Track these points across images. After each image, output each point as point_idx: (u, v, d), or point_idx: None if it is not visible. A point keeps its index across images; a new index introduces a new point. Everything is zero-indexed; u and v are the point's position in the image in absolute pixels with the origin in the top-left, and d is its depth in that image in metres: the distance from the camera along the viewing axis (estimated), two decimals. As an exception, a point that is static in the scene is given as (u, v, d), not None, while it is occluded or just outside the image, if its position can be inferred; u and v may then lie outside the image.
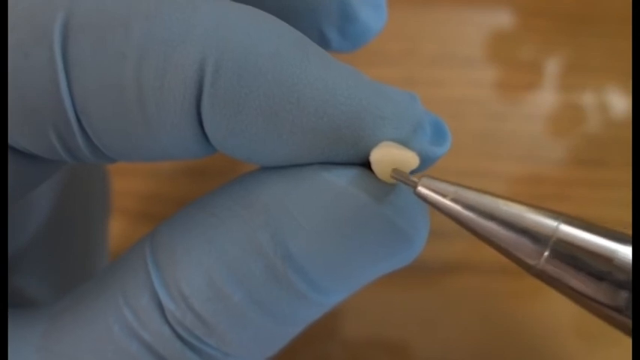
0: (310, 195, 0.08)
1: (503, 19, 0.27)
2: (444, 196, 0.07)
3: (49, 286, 0.11)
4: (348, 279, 0.08)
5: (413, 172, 0.08)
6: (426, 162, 0.08)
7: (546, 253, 0.07)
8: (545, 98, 0.25)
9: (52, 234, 0.12)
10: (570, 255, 0.07)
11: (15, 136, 0.08)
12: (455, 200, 0.07)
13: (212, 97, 0.07)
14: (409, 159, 0.07)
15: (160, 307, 0.08)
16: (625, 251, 0.07)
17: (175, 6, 0.07)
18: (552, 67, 0.26)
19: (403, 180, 0.07)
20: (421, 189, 0.07)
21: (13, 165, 0.08)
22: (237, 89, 0.07)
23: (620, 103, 0.25)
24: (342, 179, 0.08)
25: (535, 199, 0.23)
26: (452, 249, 0.22)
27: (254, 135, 0.07)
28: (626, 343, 0.20)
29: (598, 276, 0.07)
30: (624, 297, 0.07)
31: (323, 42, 0.10)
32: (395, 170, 0.07)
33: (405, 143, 0.08)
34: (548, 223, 0.07)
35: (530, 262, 0.07)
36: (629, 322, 0.07)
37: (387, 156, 0.07)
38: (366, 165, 0.08)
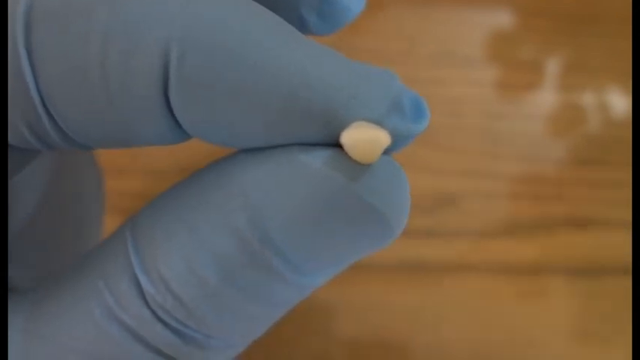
0: (286, 177, 0.08)
1: (503, 18, 0.27)
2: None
3: (35, 276, 0.11)
4: (328, 260, 0.08)
5: (388, 151, 0.08)
6: (403, 140, 0.08)
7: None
8: (546, 98, 0.25)
9: (39, 223, 0.12)
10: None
11: None
12: None
13: (179, 82, 0.07)
14: (380, 138, 0.07)
15: (141, 290, 0.08)
16: None
17: None
18: (552, 66, 0.26)
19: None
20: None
21: None
22: (205, 73, 0.07)
23: (620, 103, 0.25)
24: (317, 160, 0.08)
25: (535, 199, 0.23)
26: (452, 249, 0.22)
27: (224, 119, 0.07)
28: (626, 343, 0.20)
29: None
30: None
31: (301, 25, 0.10)
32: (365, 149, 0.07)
33: (378, 122, 0.08)
34: None
35: None
36: None
37: (357, 136, 0.07)
38: (341, 145, 0.08)
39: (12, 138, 0.08)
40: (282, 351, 0.20)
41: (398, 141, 0.08)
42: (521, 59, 0.26)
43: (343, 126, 0.08)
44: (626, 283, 0.21)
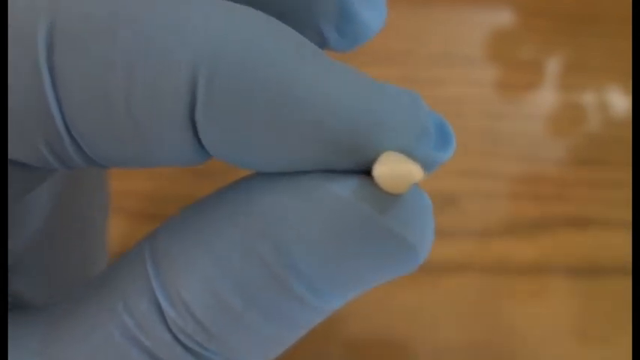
0: (312, 205, 0.07)
1: (503, 18, 0.27)
2: None
3: (46, 288, 0.11)
4: (352, 286, 0.08)
5: None
6: (430, 167, 0.08)
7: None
8: (546, 98, 0.25)
9: (49, 236, 0.12)
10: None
11: None
12: None
13: (206, 106, 0.07)
14: (413, 173, 0.07)
15: (161, 313, 0.08)
16: None
17: (165, 7, 0.07)
18: (553, 66, 0.26)
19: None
20: None
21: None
22: (233, 98, 0.07)
23: (620, 102, 0.25)
24: (345, 190, 0.07)
25: (535, 199, 0.23)
26: (452, 249, 0.22)
27: (251, 144, 0.07)
28: (626, 343, 0.20)
29: None
30: None
31: (320, 41, 0.10)
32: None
33: (408, 151, 0.08)
34: None
35: None
36: None
37: (390, 171, 0.07)
38: (369, 172, 0.08)
39: (32, 160, 0.08)
40: (283, 351, 0.20)
41: (427, 168, 0.08)
42: (522, 59, 0.26)
43: (372, 155, 0.07)
44: (626, 283, 0.21)
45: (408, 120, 0.08)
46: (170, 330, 0.08)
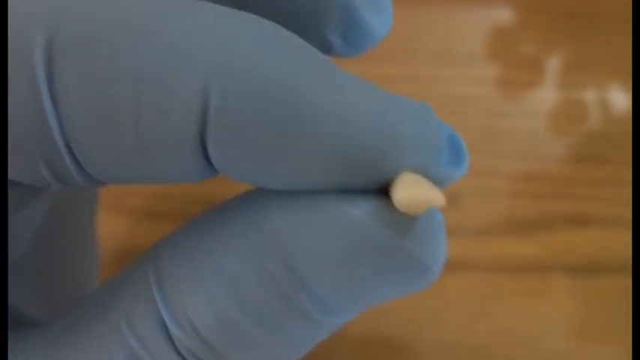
0: (327, 225, 0.07)
1: (503, 16, 0.27)
2: None
3: (41, 295, 0.11)
4: (363, 305, 0.08)
5: None
6: (444, 183, 0.08)
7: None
8: (546, 96, 0.25)
9: (40, 243, 0.12)
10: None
11: None
12: None
13: (218, 128, 0.07)
14: (433, 200, 0.07)
15: (167, 334, 0.08)
16: None
17: (174, 20, 0.07)
18: (553, 64, 0.26)
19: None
20: None
21: None
22: (246, 118, 0.07)
23: (621, 100, 0.25)
24: (361, 210, 0.07)
25: (535, 197, 0.23)
26: (453, 247, 0.22)
27: (264, 165, 0.07)
28: (626, 341, 0.20)
29: None
30: None
31: (325, 47, 0.09)
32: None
33: (425, 170, 0.07)
34: None
35: None
36: None
37: (411, 197, 0.07)
38: (384, 190, 0.08)
39: (30, 179, 0.07)
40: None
41: (441, 184, 0.08)
42: (522, 57, 0.26)
43: (388, 174, 0.07)
44: (626, 281, 0.21)
45: (425, 138, 0.07)
46: (177, 350, 0.08)
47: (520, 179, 0.23)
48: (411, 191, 0.07)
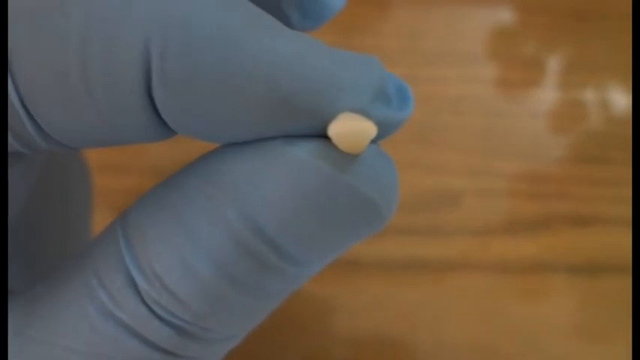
0: (274, 169, 0.08)
1: (503, 16, 0.27)
2: None
3: (27, 276, 0.11)
4: (322, 249, 0.08)
5: (376, 139, 0.08)
6: (389, 128, 0.08)
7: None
8: (547, 95, 0.25)
9: (27, 225, 0.12)
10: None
11: None
12: None
13: (161, 78, 0.07)
14: (366, 129, 0.07)
15: (135, 287, 0.08)
16: None
17: None
18: (553, 64, 0.26)
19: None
20: None
21: None
22: (186, 68, 0.07)
23: (621, 100, 0.25)
24: (304, 152, 0.08)
25: (536, 197, 0.23)
26: (453, 247, 0.22)
27: (208, 114, 0.07)
28: (626, 340, 0.20)
29: None
30: None
31: (282, 20, 0.10)
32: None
33: (364, 112, 0.08)
34: None
35: None
36: None
37: (344, 129, 0.07)
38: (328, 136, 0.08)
39: None
40: (282, 350, 0.20)
41: (384, 129, 0.08)
42: (522, 57, 0.26)
43: (328, 117, 0.07)
44: (627, 281, 0.21)
45: (364, 82, 0.08)
46: (145, 303, 0.08)
47: (520, 179, 0.23)
48: (343, 123, 0.07)
